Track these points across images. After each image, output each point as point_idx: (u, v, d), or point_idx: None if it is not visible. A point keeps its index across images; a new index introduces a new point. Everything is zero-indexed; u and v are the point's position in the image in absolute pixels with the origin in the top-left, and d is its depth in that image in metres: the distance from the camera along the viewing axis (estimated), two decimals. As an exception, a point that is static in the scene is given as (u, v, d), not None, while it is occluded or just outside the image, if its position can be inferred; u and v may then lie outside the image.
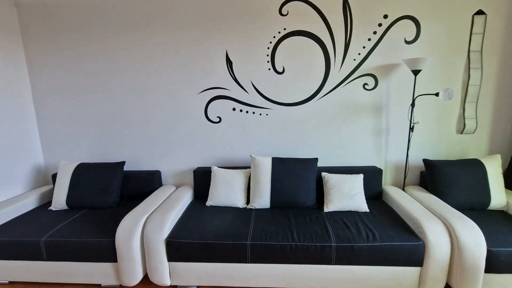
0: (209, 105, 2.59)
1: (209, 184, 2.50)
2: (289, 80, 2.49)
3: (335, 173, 2.42)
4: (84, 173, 2.46)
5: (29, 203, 2.44)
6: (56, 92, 2.66)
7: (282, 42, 2.42)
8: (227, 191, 2.34)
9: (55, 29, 2.54)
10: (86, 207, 2.40)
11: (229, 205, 2.33)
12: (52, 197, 2.59)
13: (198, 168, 2.64)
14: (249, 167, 2.53)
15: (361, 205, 2.19)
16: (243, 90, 2.53)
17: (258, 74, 2.49)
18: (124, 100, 2.63)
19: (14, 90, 2.53)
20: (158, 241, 1.86)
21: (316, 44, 2.41)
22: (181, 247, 1.85)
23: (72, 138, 2.75)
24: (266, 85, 2.51)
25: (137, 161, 2.76)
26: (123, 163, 2.55)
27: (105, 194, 2.40)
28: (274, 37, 2.41)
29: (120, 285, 2.00)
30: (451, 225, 1.76)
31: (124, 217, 1.98)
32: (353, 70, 2.44)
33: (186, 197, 2.37)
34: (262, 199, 2.28)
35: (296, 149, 2.62)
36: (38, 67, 2.63)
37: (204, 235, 1.89)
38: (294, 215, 2.15)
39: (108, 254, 1.92)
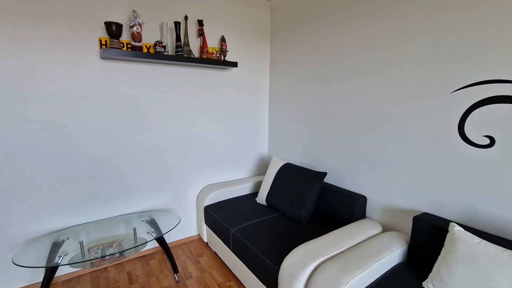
0: (471, 114, 1.44)
1: (439, 250, 1.43)
2: None
3: None
4: (286, 175, 2.31)
5: (246, 188, 2.72)
6: (283, 91, 2.71)
7: None
8: (479, 283, 1.18)
9: (292, 25, 2.52)
10: (279, 211, 2.26)
11: (472, 313, 1.18)
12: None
13: (424, 214, 1.62)
14: (550, 257, 1.14)
15: None
16: None
17: None
18: (345, 99, 2.14)
19: (258, 89, 2.85)
20: (321, 312, 1.24)
21: None
22: None
23: (289, 133, 2.72)
24: None
25: (341, 175, 2.21)
26: (324, 174, 2.11)
27: (299, 205, 2.11)
28: None
29: (278, 324, 1.64)
30: None
31: (296, 248, 1.55)
32: None
33: (391, 255, 1.51)
34: None
35: None
36: (276, 67, 2.79)
37: None
38: None
39: (271, 282, 1.60)
